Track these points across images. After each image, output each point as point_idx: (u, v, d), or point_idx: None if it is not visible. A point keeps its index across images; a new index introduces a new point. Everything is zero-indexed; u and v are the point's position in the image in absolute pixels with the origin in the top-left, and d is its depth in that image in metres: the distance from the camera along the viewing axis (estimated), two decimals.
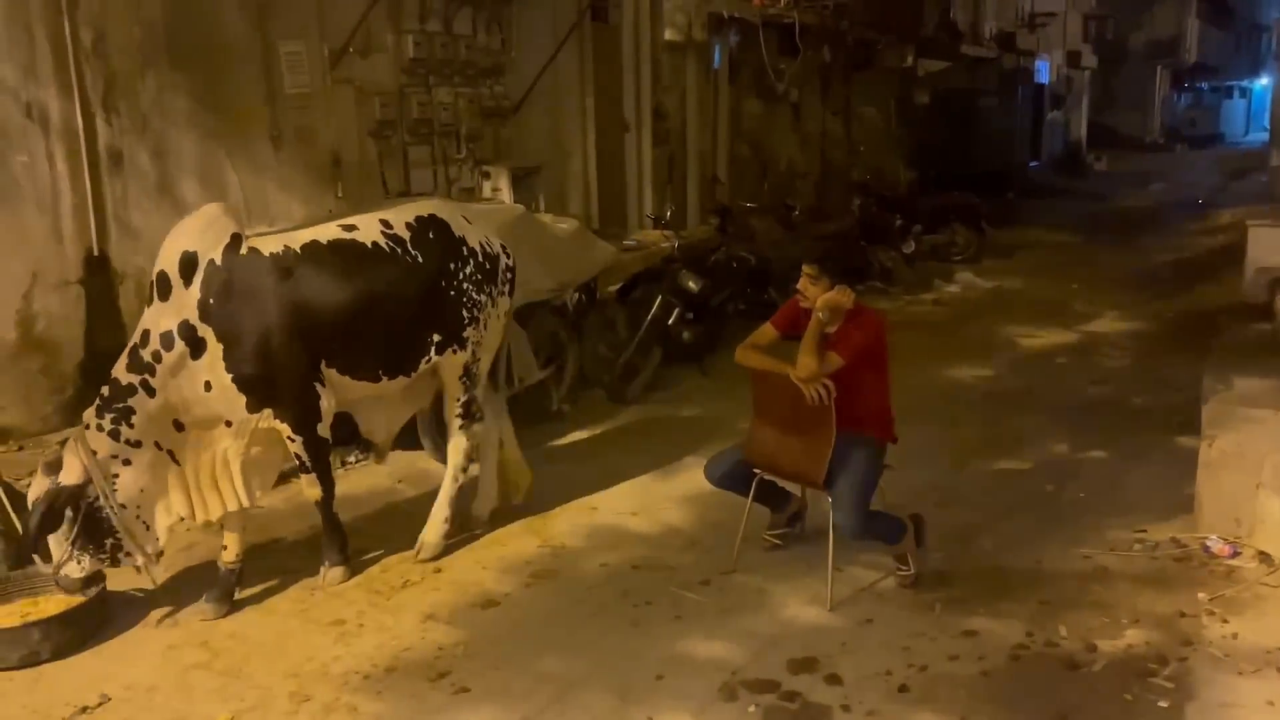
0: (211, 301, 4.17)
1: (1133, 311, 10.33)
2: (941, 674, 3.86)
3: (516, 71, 8.71)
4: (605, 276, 7.53)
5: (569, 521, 5.27)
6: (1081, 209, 18.57)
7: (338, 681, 3.88)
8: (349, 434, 5.08)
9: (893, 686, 3.78)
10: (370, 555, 4.88)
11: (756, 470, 4.61)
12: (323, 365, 4.41)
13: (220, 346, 4.17)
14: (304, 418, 4.38)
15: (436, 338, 4.73)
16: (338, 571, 4.60)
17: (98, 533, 4.16)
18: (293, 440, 4.38)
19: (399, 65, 7.71)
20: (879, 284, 11.40)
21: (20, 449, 5.45)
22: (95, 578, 4.23)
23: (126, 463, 4.18)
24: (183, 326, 4.15)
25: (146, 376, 4.14)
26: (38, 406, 5.70)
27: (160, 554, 4.37)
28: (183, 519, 4.38)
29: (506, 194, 7.88)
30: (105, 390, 4.18)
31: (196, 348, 4.16)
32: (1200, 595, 4.36)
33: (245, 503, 4.39)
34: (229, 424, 4.28)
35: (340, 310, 4.38)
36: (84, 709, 3.73)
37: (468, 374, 4.92)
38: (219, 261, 4.20)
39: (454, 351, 4.82)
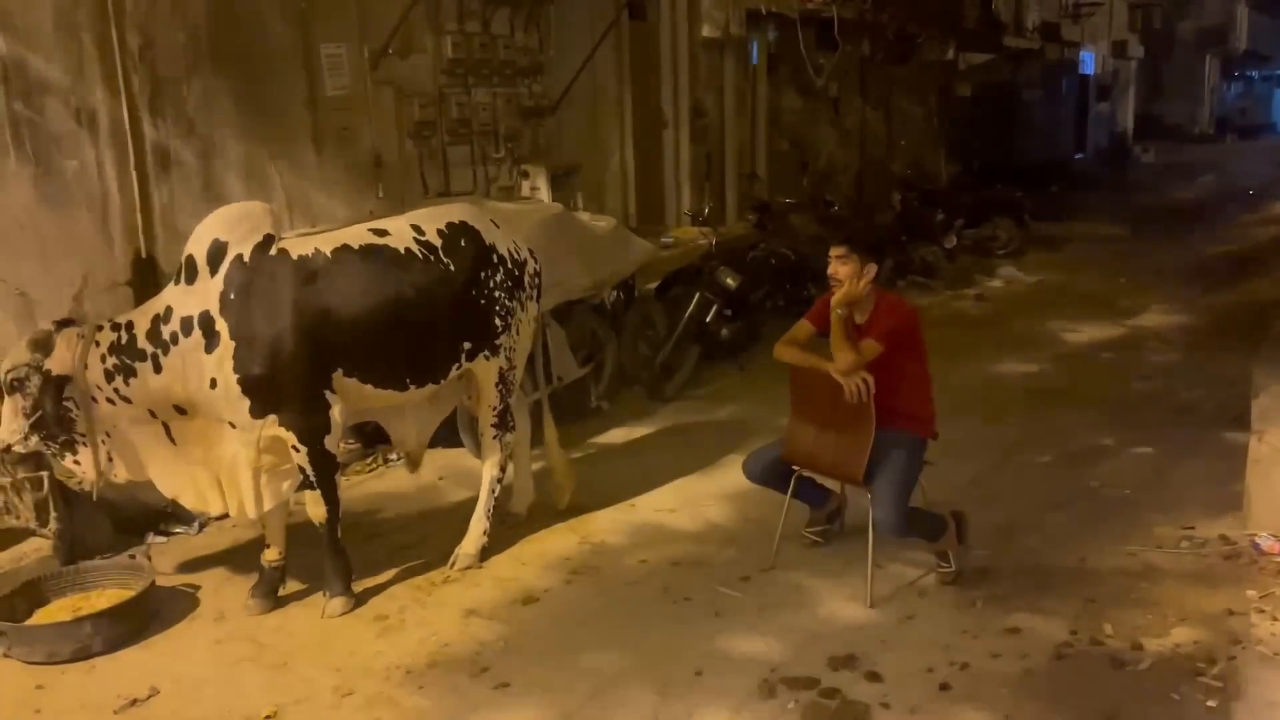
0: (232, 297, 4.12)
1: (1181, 305, 10.15)
2: (984, 672, 3.83)
3: (554, 70, 8.73)
4: (643, 274, 7.54)
5: (608, 518, 5.29)
6: (1128, 202, 18.27)
7: (380, 676, 3.93)
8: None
9: (934, 684, 3.75)
10: (412, 552, 4.93)
11: (795, 467, 4.59)
12: (340, 375, 4.31)
13: (232, 344, 4.10)
14: (311, 429, 4.26)
15: (467, 345, 4.69)
16: (338, 602, 4.41)
17: (58, 426, 4.11)
18: (297, 450, 4.28)
19: (438, 66, 7.76)
20: (920, 279, 11.31)
21: None
22: (33, 460, 4.35)
23: (110, 402, 4.15)
24: (202, 316, 4.11)
25: (159, 353, 4.11)
26: None
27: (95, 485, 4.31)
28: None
29: (545, 193, 7.92)
30: (123, 336, 4.13)
31: (211, 341, 4.11)
32: (1249, 593, 4.28)
33: (251, 514, 4.37)
34: (234, 426, 4.23)
35: (366, 317, 4.29)
36: (134, 701, 3.81)
37: (503, 380, 4.90)
38: (246, 258, 4.15)
39: (486, 358, 4.80)
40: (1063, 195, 16.73)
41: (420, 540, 5.04)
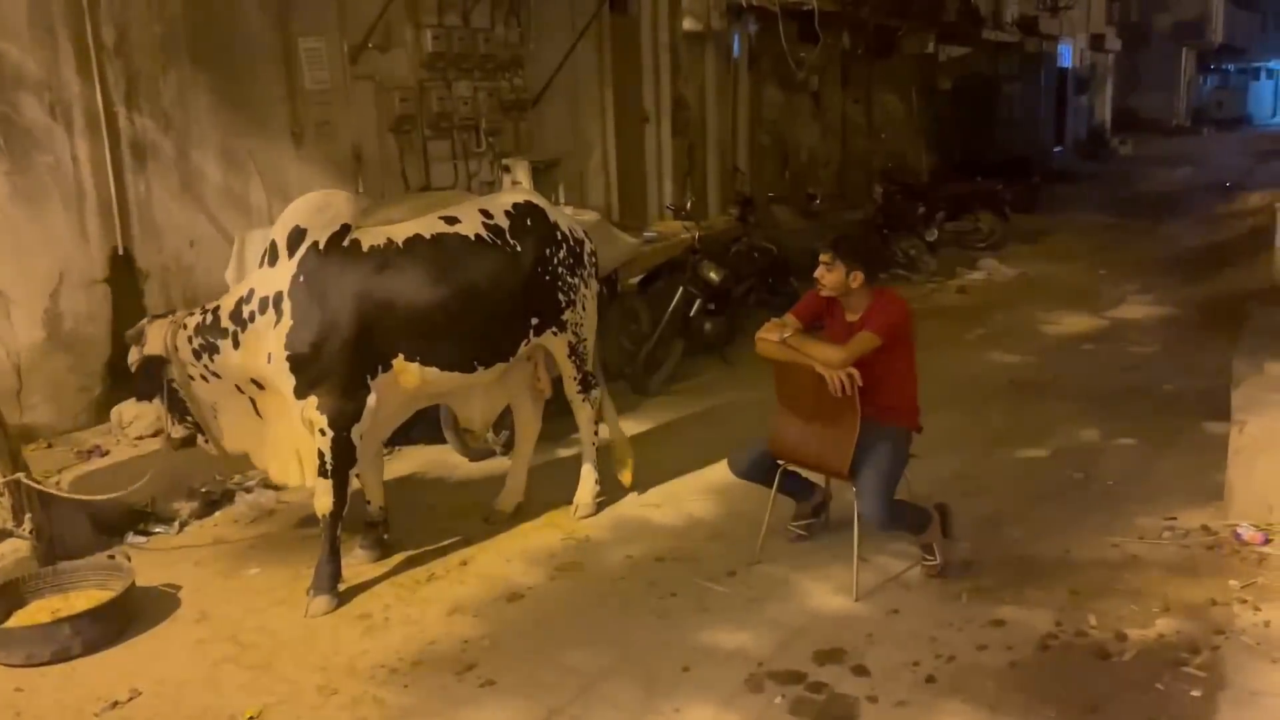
0: (301, 280, 4.27)
1: (1160, 296, 10.22)
2: (970, 664, 3.83)
3: (535, 64, 8.70)
4: (626, 268, 7.52)
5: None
6: (1107, 194, 18.38)
7: (365, 675, 3.90)
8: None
9: (920, 677, 3.76)
10: (395, 549, 4.90)
11: (780, 461, 4.59)
12: (401, 359, 4.43)
13: (290, 323, 4.25)
14: (344, 413, 4.34)
15: (534, 321, 4.86)
16: (321, 601, 4.38)
17: (179, 406, 4.50)
18: (324, 434, 4.34)
19: (418, 60, 7.72)
20: (902, 272, 11.35)
21: (49, 446, 5.50)
22: (189, 440, 4.62)
23: (204, 379, 4.43)
24: (276, 296, 4.29)
25: (239, 330, 4.32)
26: (67, 404, 5.76)
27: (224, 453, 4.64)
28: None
29: (527, 187, 7.89)
30: (208, 317, 4.38)
31: (278, 318, 4.27)
32: (1232, 583, 4.31)
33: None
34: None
35: (433, 304, 4.43)
36: (115, 703, 3.76)
37: (575, 353, 5.10)
38: (321, 246, 4.31)
39: (554, 334, 4.96)
40: (1042, 188, 16.82)
41: (403, 537, 5.00)
